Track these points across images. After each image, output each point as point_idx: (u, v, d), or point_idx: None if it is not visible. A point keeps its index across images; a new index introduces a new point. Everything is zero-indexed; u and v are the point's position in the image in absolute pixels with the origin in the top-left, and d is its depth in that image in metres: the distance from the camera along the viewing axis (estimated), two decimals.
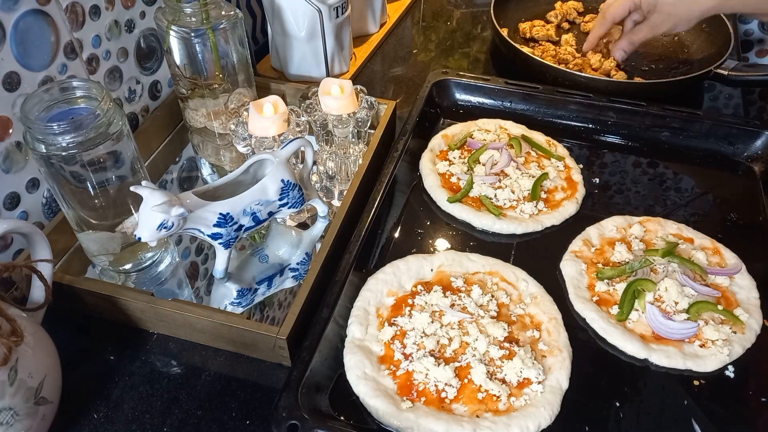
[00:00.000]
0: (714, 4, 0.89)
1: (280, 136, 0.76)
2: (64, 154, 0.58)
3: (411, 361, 0.61)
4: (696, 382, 0.62)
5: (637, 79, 1.01)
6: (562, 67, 0.98)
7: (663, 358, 0.62)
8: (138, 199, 0.60)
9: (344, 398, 0.59)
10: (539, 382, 0.59)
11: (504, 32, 1.06)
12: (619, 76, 0.99)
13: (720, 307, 0.65)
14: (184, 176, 0.86)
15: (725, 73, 0.95)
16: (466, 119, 0.92)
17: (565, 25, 1.16)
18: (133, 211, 0.66)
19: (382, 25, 1.18)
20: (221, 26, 0.78)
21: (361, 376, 0.59)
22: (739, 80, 0.96)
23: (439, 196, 0.80)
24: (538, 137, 0.88)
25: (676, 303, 0.65)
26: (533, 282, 0.69)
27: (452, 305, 0.65)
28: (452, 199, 0.78)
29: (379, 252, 0.74)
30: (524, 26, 1.13)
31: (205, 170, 0.88)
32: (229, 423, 0.59)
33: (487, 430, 0.55)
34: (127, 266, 0.71)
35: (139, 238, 0.61)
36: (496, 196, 0.79)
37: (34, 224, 0.61)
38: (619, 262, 0.71)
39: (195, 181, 0.86)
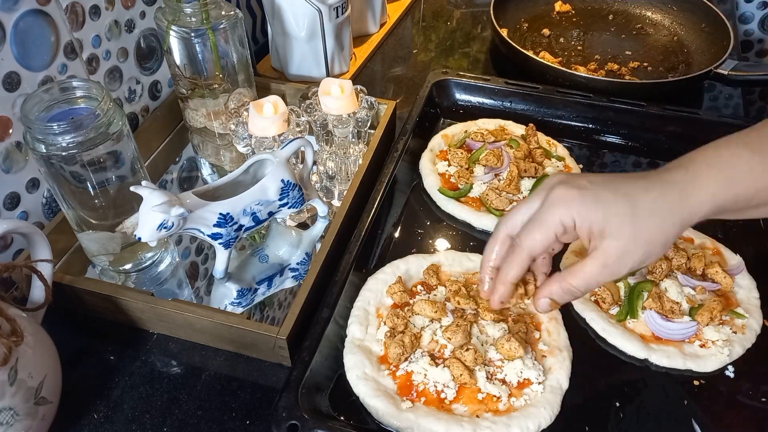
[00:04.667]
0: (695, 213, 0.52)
1: (280, 136, 0.76)
2: (64, 154, 0.58)
3: (410, 362, 0.61)
4: (696, 382, 0.62)
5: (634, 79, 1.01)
6: (561, 66, 0.98)
7: (663, 358, 0.62)
8: (138, 199, 0.60)
9: (344, 398, 0.59)
10: (539, 383, 0.59)
11: (503, 32, 1.06)
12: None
13: (719, 307, 0.65)
14: (184, 176, 0.86)
15: (725, 72, 0.95)
16: (466, 119, 0.92)
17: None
18: (134, 211, 0.66)
19: (382, 25, 1.18)
20: (221, 26, 0.78)
21: (361, 376, 0.59)
22: (739, 80, 0.96)
23: (439, 197, 0.80)
24: (538, 137, 0.88)
25: (677, 303, 0.65)
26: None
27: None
28: (446, 193, 0.78)
29: (379, 252, 0.74)
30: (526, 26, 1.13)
31: (205, 170, 0.88)
32: (229, 423, 0.59)
33: (487, 430, 0.55)
34: (127, 266, 0.71)
35: (139, 238, 0.61)
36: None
37: (34, 224, 0.61)
38: None
39: (195, 181, 0.86)
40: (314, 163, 0.75)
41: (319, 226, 0.78)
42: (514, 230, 0.56)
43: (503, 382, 0.59)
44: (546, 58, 1.03)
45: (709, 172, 0.52)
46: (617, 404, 0.60)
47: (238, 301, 0.69)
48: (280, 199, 0.69)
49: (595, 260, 0.52)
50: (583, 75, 0.95)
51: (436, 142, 0.88)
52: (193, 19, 0.77)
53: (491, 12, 1.07)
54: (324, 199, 0.78)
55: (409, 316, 0.64)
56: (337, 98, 0.79)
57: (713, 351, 0.63)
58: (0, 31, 0.63)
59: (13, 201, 0.69)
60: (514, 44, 1.01)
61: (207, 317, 0.62)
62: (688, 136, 0.89)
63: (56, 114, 0.60)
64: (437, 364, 0.59)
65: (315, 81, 0.91)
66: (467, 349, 0.59)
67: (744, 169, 0.51)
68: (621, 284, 0.68)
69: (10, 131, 0.67)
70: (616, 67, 1.05)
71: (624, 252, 0.51)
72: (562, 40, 1.13)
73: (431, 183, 0.81)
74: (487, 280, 0.59)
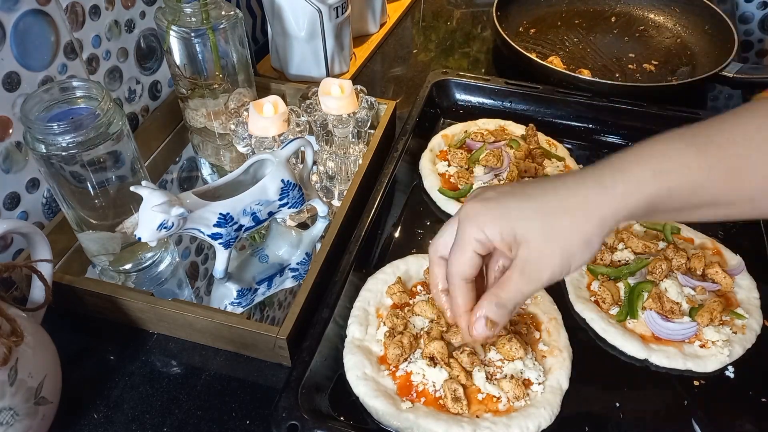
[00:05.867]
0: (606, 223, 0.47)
1: (280, 136, 0.76)
2: (64, 154, 0.58)
3: (409, 362, 0.60)
4: (696, 383, 0.61)
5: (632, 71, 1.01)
6: (565, 69, 0.98)
7: (663, 358, 0.62)
8: (138, 199, 0.60)
9: (344, 398, 0.59)
10: (540, 383, 0.59)
11: (504, 34, 1.06)
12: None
13: (719, 308, 0.65)
14: (184, 176, 0.86)
15: (730, 75, 0.95)
16: (466, 119, 0.92)
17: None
18: (133, 211, 0.66)
19: (382, 25, 1.18)
20: (221, 26, 0.78)
21: (361, 377, 0.59)
22: (744, 83, 0.95)
23: (439, 197, 0.80)
24: (538, 137, 0.88)
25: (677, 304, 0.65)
26: None
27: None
28: (446, 193, 0.78)
29: (379, 252, 0.74)
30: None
31: (205, 170, 0.88)
32: (229, 423, 0.59)
33: (487, 430, 0.55)
34: (127, 266, 0.71)
35: (139, 238, 0.61)
36: None
37: (34, 224, 0.61)
38: (618, 262, 0.71)
39: (195, 181, 0.86)
40: (314, 163, 0.75)
41: (319, 226, 0.78)
42: (445, 252, 0.52)
43: None
44: (555, 63, 1.02)
45: (637, 162, 0.46)
46: (617, 404, 0.60)
47: (238, 301, 0.69)
48: (280, 199, 0.69)
49: (515, 269, 0.48)
50: (587, 78, 0.95)
51: (436, 142, 0.88)
52: (193, 19, 0.77)
53: (494, 16, 1.06)
54: (324, 199, 0.78)
55: (409, 317, 0.64)
56: (337, 98, 0.79)
57: (713, 351, 0.63)
58: (0, 31, 0.63)
59: (13, 201, 0.69)
60: (518, 48, 1.00)
61: (207, 317, 0.62)
62: None
63: (56, 114, 0.60)
64: (435, 365, 0.59)
65: (315, 81, 0.91)
66: (463, 351, 0.59)
67: (677, 162, 0.46)
68: (621, 284, 0.68)
69: (10, 131, 0.67)
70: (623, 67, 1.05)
71: (539, 256, 0.47)
72: (566, 42, 1.12)
73: (431, 183, 0.81)
74: (446, 307, 0.54)
